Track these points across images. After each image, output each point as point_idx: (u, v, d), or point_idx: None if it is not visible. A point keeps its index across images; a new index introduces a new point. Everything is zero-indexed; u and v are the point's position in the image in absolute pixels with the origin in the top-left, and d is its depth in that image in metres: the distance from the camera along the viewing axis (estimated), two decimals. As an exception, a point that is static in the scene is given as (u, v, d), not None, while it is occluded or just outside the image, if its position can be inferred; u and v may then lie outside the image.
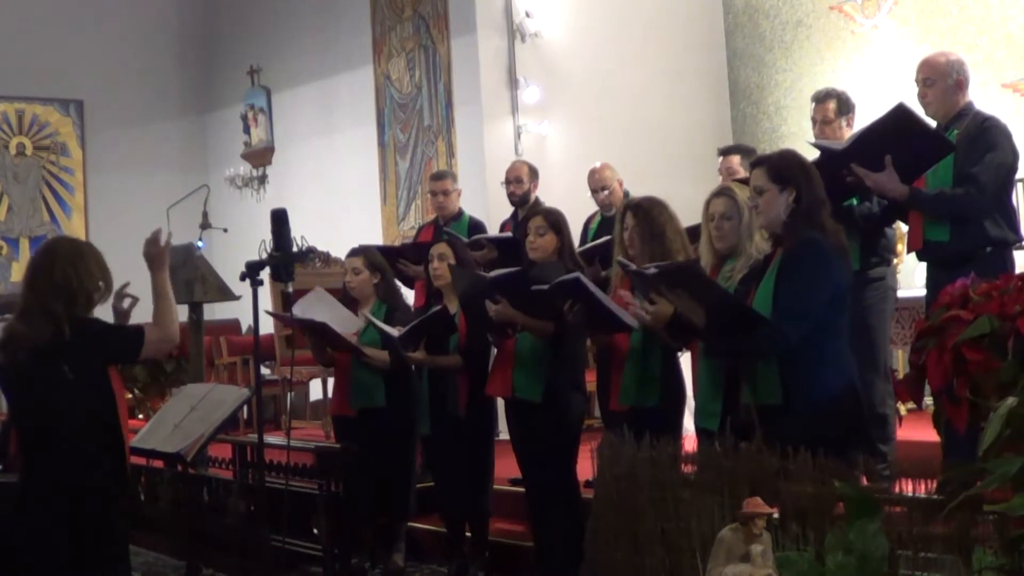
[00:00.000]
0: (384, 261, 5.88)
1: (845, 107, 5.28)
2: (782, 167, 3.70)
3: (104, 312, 3.95)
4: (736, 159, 6.03)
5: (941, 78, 4.64)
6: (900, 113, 4.34)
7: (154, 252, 3.98)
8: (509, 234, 6.52)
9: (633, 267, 4.02)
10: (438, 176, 7.17)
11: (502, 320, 4.82)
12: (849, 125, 5.28)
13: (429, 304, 5.66)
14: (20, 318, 3.81)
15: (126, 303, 4.02)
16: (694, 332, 3.87)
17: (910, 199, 4.50)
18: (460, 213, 7.09)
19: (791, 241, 3.65)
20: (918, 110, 4.56)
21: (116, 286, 3.93)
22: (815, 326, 3.54)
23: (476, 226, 6.96)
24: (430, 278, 5.60)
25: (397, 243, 8.44)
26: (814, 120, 5.36)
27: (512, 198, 6.94)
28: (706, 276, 3.84)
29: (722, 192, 4.19)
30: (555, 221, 5.01)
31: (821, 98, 5.34)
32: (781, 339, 3.51)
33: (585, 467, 4.46)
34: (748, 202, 4.00)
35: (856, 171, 4.42)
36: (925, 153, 4.46)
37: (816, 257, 3.56)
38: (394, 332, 5.35)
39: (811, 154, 4.77)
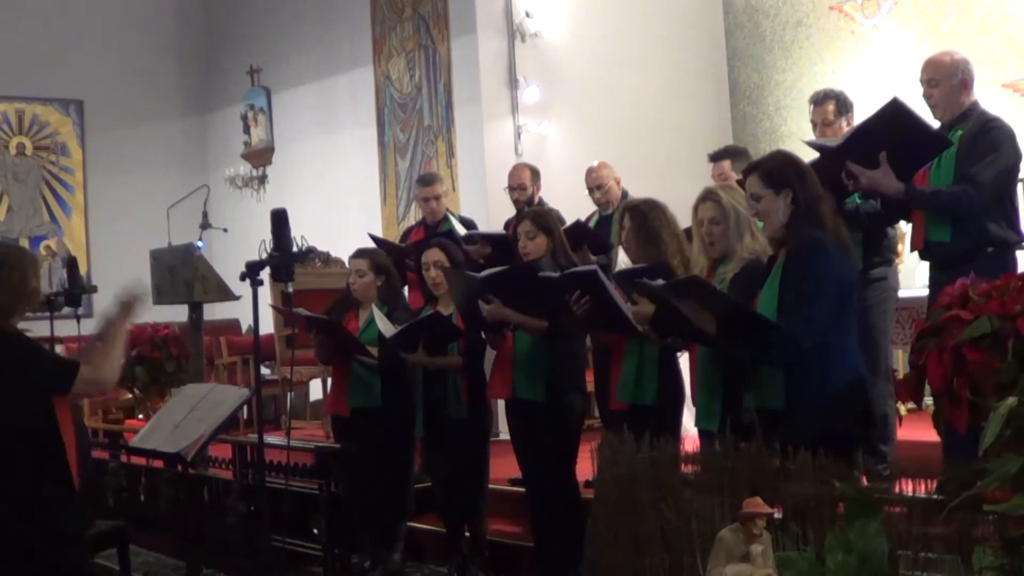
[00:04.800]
0: (389, 264, 5.84)
1: (844, 107, 5.27)
2: (774, 170, 3.67)
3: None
4: (727, 164, 6.00)
5: (946, 78, 4.60)
6: (894, 108, 4.32)
7: (131, 302, 3.97)
8: (501, 231, 6.50)
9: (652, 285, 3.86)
10: (426, 181, 7.08)
11: (495, 319, 4.82)
12: (849, 125, 5.26)
13: (428, 306, 5.66)
14: None
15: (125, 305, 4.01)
16: (697, 338, 3.82)
17: (906, 196, 4.48)
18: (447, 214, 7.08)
19: (794, 242, 3.60)
20: (913, 105, 4.54)
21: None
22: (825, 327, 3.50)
23: (468, 224, 6.95)
24: (427, 284, 5.59)
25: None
26: (814, 123, 5.33)
27: (518, 205, 6.89)
28: (714, 287, 3.75)
29: (707, 197, 4.12)
30: (544, 223, 5.00)
31: (819, 100, 5.32)
32: (794, 346, 3.46)
33: (585, 467, 4.45)
34: (738, 206, 3.97)
35: (851, 169, 4.40)
36: (921, 149, 4.43)
37: (820, 257, 3.52)
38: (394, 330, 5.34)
39: (807, 153, 4.78)
